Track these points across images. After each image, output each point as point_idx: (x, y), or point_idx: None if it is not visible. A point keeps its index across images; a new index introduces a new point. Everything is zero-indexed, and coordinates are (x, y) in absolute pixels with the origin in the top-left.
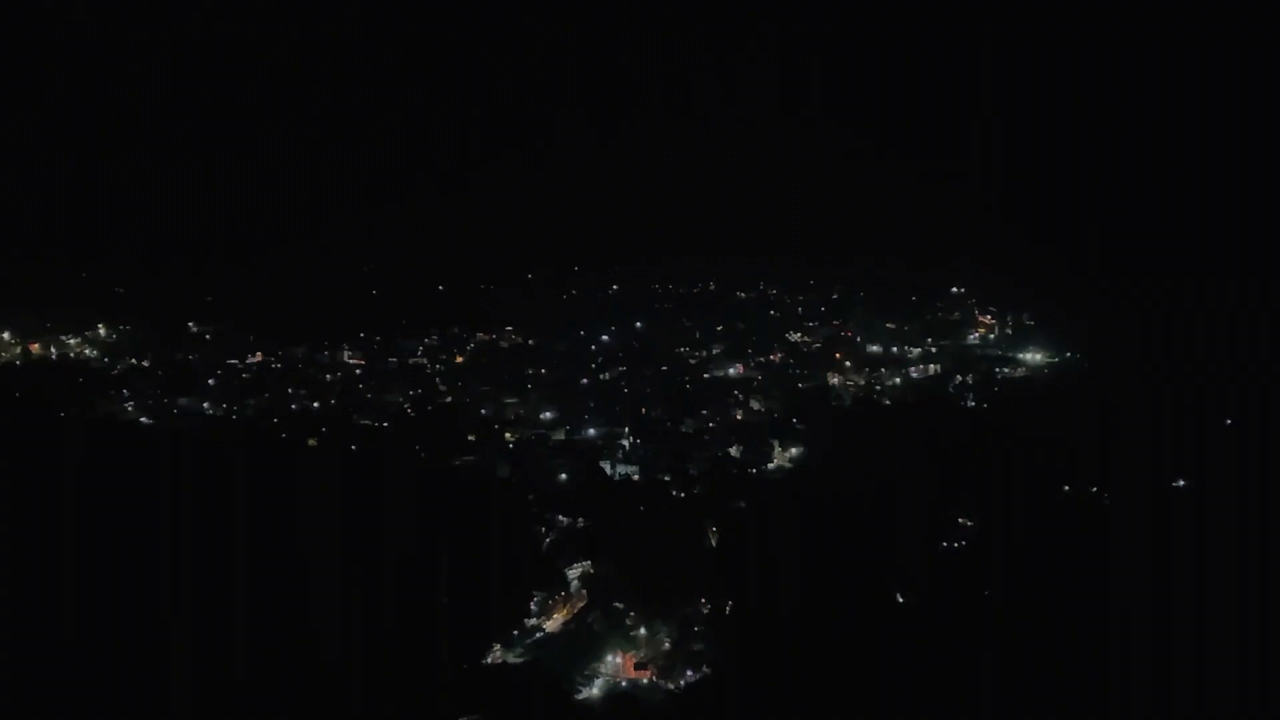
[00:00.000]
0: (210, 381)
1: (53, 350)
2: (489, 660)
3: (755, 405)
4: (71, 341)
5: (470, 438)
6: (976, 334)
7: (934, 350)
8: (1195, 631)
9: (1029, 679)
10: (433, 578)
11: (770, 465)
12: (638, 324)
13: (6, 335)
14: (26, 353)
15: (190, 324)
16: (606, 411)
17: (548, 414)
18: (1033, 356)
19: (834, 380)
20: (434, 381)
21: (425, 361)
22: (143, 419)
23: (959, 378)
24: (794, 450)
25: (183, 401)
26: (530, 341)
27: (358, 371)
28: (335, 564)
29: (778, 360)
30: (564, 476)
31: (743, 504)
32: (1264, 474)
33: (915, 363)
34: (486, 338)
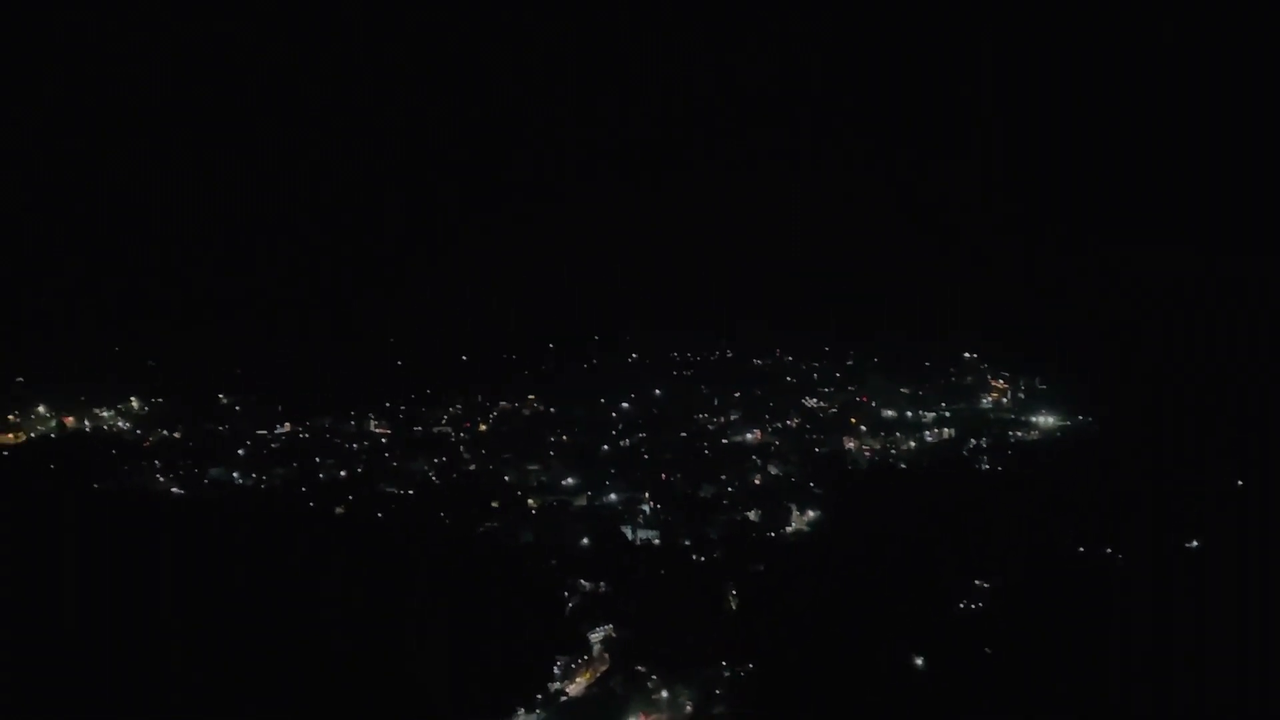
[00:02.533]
0: (240, 452)
1: (86, 422)
2: None
3: (773, 470)
4: (105, 414)
5: (494, 504)
6: (990, 398)
7: (948, 414)
8: (1203, 688)
9: None
10: (457, 643)
11: (788, 529)
12: (656, 391)
13: (42, 408)
14: (61, 425)
15: (220, 395)
16: (627, 477)
17: (569, 480)
18: (1045, 420)
19: (850, 445)
20: (458, 449)
21: (449, 430)
22: (174, 489)
23: (973, 441)
24: (811, 514)
25: (213, 472)
26: (551, 409)
27: (383, 440)
28: (363, 630)
29: (794, 425)
30: (586, 541)
31: (762, 567)
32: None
33: (930, 427)
34: (509, 406)
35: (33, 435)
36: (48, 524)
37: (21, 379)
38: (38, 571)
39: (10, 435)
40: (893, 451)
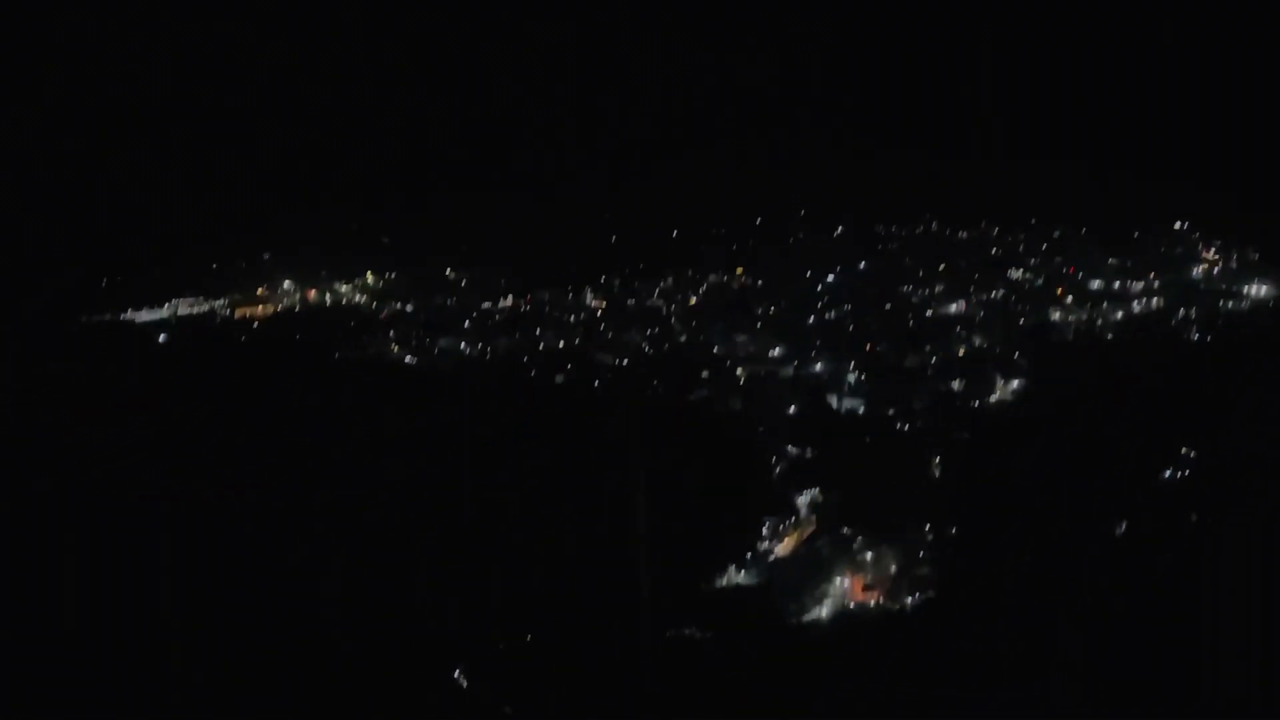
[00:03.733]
0: (466, 324)
1: (327, 296)
2: (723, 582)
3: (977, 340)
4: (343, 288)
5: (704, 374)
6: (1200, 269)
7: (1156, 285)
8: None
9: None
10: (671, 505)
11: (993, 398)
12: (861, 264)
13: (288, 283)
14: (304, 299)
15: (448, 270)
16: (832, 348)
17: (776, 351)
18: (1257, 290)
19: (1055, 315)
20: (669, 322)
21: (661, 303)
22: (406, 358)
23: (1182, 312)
24: (1015, 383)
25: (442, 342)
26: (759, 282)
27: (599, 313)
28: (583, 491)
29: (999, 296)
30: (792, 409)
31: (966, 435)
32: None
33: (1137, 297)
34: (718, 279)
35: (278, 308)
36: (295, 390)
37: (268, 255)
38: (288, 437)
39: (260, 308)
40: (1099, 322)
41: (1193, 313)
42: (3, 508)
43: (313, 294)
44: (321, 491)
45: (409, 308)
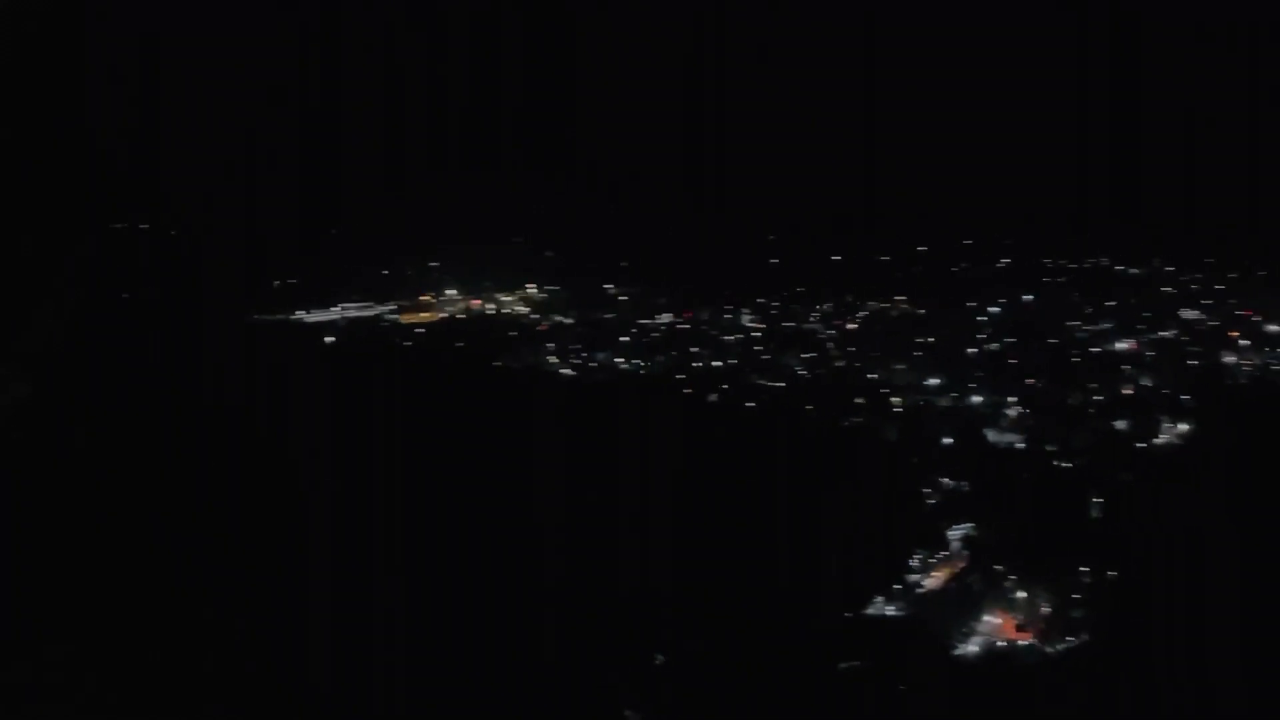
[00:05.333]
0: (624, 339)
1: (490, 306)
2: (870, 611)
3: (1144, 381)
4: (506, 299)
5: (859, 401)
6: None
7: None
8: None
9: None
10: (822, 531)
11: (1158, 440)
12: (1026, 296)
13: (452, 291)
14: (468, 307)
15: (608, 286)
16: (993, 381)
17: (934, 381)
18: None
19: (1229, 359)
20: (826, 346)
21: (819, 327)
22: (563, 370)
23: None
24: (1183, 427)
25: (600, 356)
26: (920, 310)
27: (756, 334)
28: (731, 511)
29: (1169, 337)
30: (948, 441)
31: (1128, 477)
32: None
33: None
34: (878, 306)
35: (443, 315)
36: (455, 395)
37: (435, 264)
38: (434, 442)
39: (425, 315)
40: (1274, 367)
41: None
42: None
43: (476, 303)
44: (472, 498)
45: (569, 320)
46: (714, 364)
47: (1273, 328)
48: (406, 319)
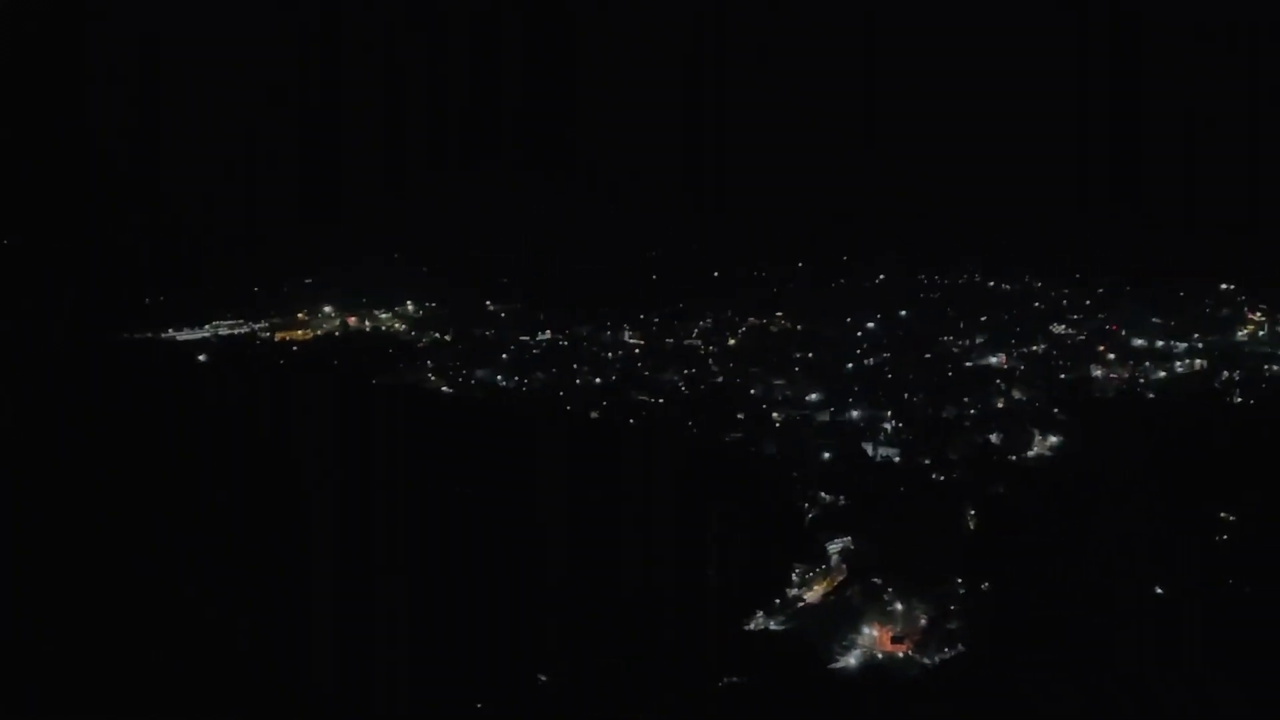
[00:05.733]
0: (504, 356)
1: (367, 323)
2: (752, 626)
3: (1016, 394)
4: (384, 316)
5: (739, 416)
6: (1245, 331)
7: (1200, 346)
8: None
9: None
10: (701, 546)
11: (1030, 453)
12: (902, 312)
13: (328, 308)
14: (345, 325)
15: (488, 303)
16: (870, 395)
17: (813, 396)
18: None
19: (1096, 372)
20: (707, 362)
21: (699, 343)
22: (443, 388)
23: (1226, 373)
24: (1054, 439)
25: (479, 373)
26: (799, 327)
27: (637, 351)
28: (611, 528)
29: (1040, 351)
30: (827, 456)
31: (1001, 489)
32: None
33: (1181, 357)
34: (757, 322)
35: (319, 333)
36: (331, 414)
37: (310, 280)
38: (315, 458)
39: (300, 332)
40: (1140, 380)
41: (1236, 375)
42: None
43: (353, 320)
44: (342, 512)
45: (447, 337)
46: (595, 380)
47: (1138, 342)
48: (281, 337)
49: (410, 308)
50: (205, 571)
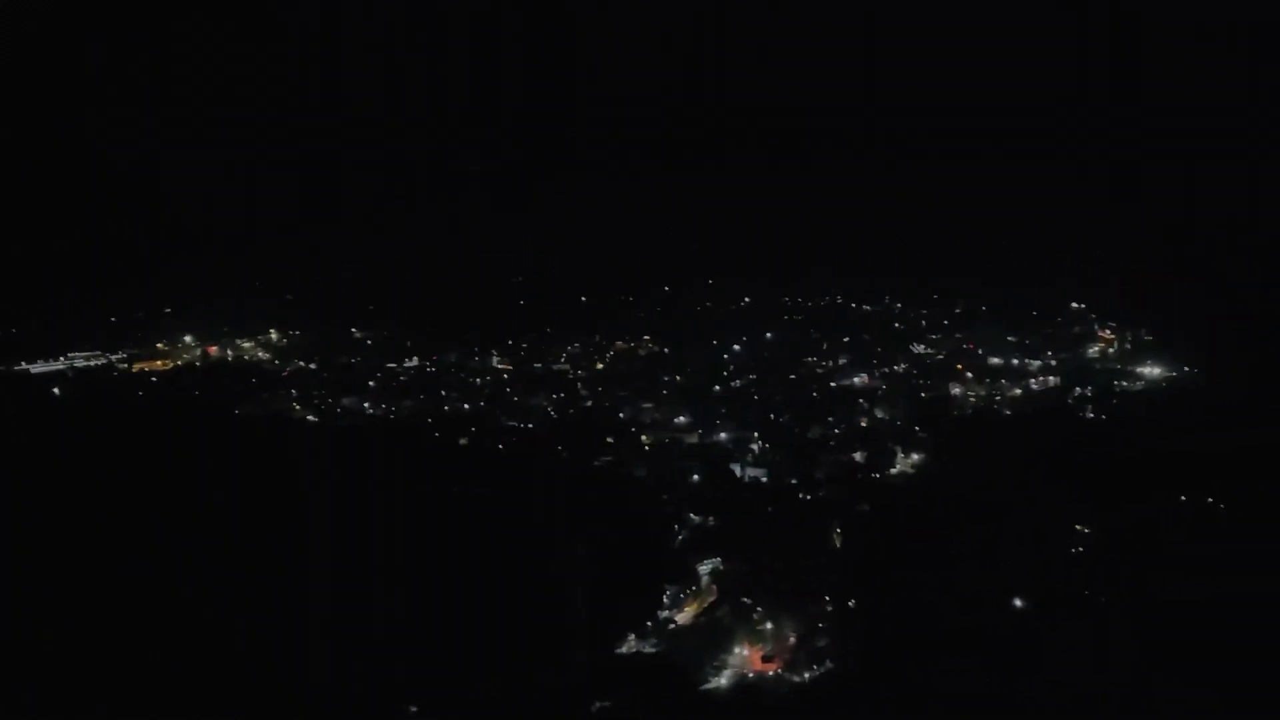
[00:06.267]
0: (370, 383)
1: (229, 353)
2: (624, 649)
3: (879, 413)
4: (246, 345)
5: (609, 440)
6: (1096, 348)
7: (1054, 363)
8: None
9: (1137, 681)
10: (572, 570)
11: (893, 471)
12: (768, 334)
13: (188, 338)
14: (205, 355)
15: (353, 330)
16: (737, 417)
17: (682, 419)
18: (1151, 371)
19: (956, 390)
20: (576, 387)
21: (568, 368)
22: (309, 417)
23: (1078, 390)
24: (916, 457)
25: (345, 401)
26: (666, 350)
27: (505, 376)
28: (481, 554)
29: (901, 371)
30: (696, 478)
31: (866, 507)
32: None
33: (1035, 375)
34: (625, 346)
35: (179, 363)
36: (193, 445)
37: (169, 310)
38: (177, 490)
39: (159, 363)
40: (997, 398)
41: (1088, 391)
42: None
43: (214, 350)
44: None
45: (312, 365)
46: (463, 407)
47: (995, 360)
48: (139, 368)
49: (274, 336)
50: (51, 609)
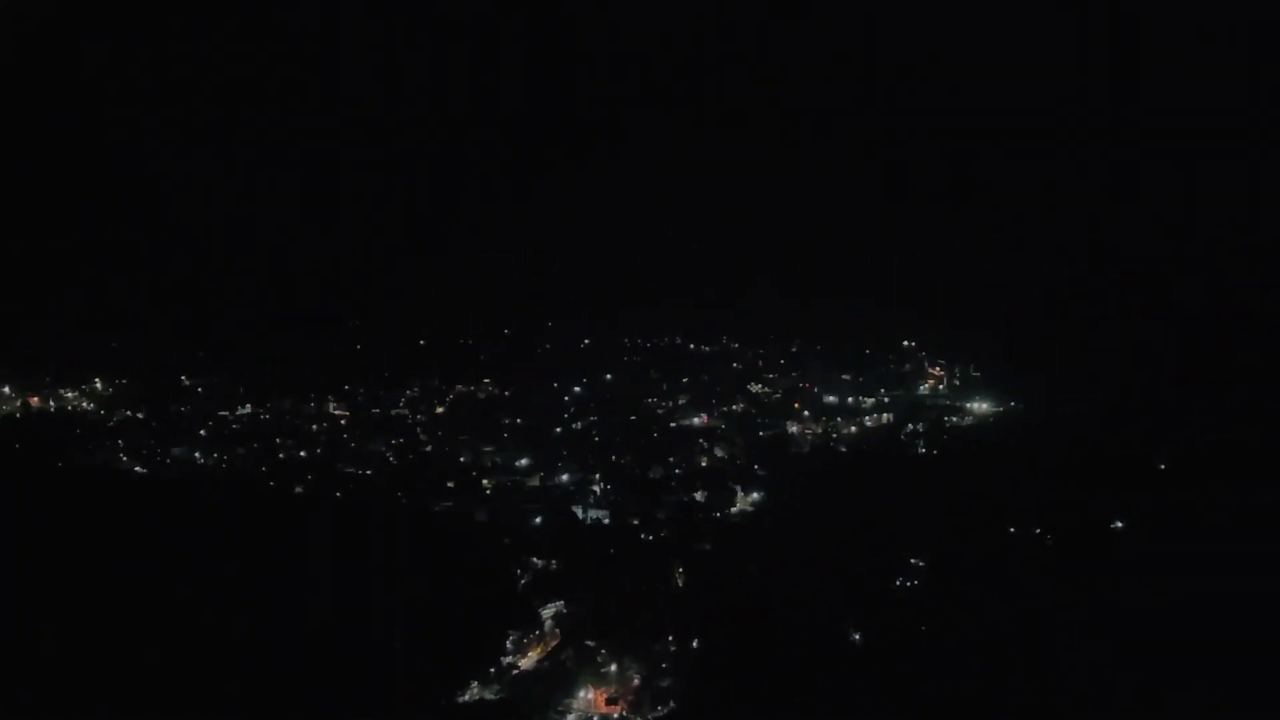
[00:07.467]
0: (202, 432)
1: (52, 403)
2: (466, 697)
3: (719, 453)
4: (69, 395)
5: (449, 484)
6: (927, 385)
7: (887, 400)
8: (1136, 661)
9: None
10: (411, 618)
11: (733, 509)
12: (608, 376)
13: (7, 389)
14: (26, 405)
15: (183, 377)
16: (578, 459)
17: (523, 461)
18: (979, 406)
19: (793, 429)
20: (415, 431)
21: (407, 412)
22: (136, 468)
23: (910, 426)
24: (755, 495)
25: (175, 451)
26: (506, 393)
27: (342, 422)
28: (319, 605)
29: (740, 410)
30: (538, 520)
31: (707, 546)
32: (1194, 514)
33: (869, 412)
34: (465, 389)
35: None
36: (12, 500)
37: None
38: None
39: None
40: (833, 435)
41: (920, 427)
42: None
43: (35, 400)
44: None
45: (140, 415)
46: (300, 454)
47: (830, 398)
48: None
49: (99, 385)
50: None
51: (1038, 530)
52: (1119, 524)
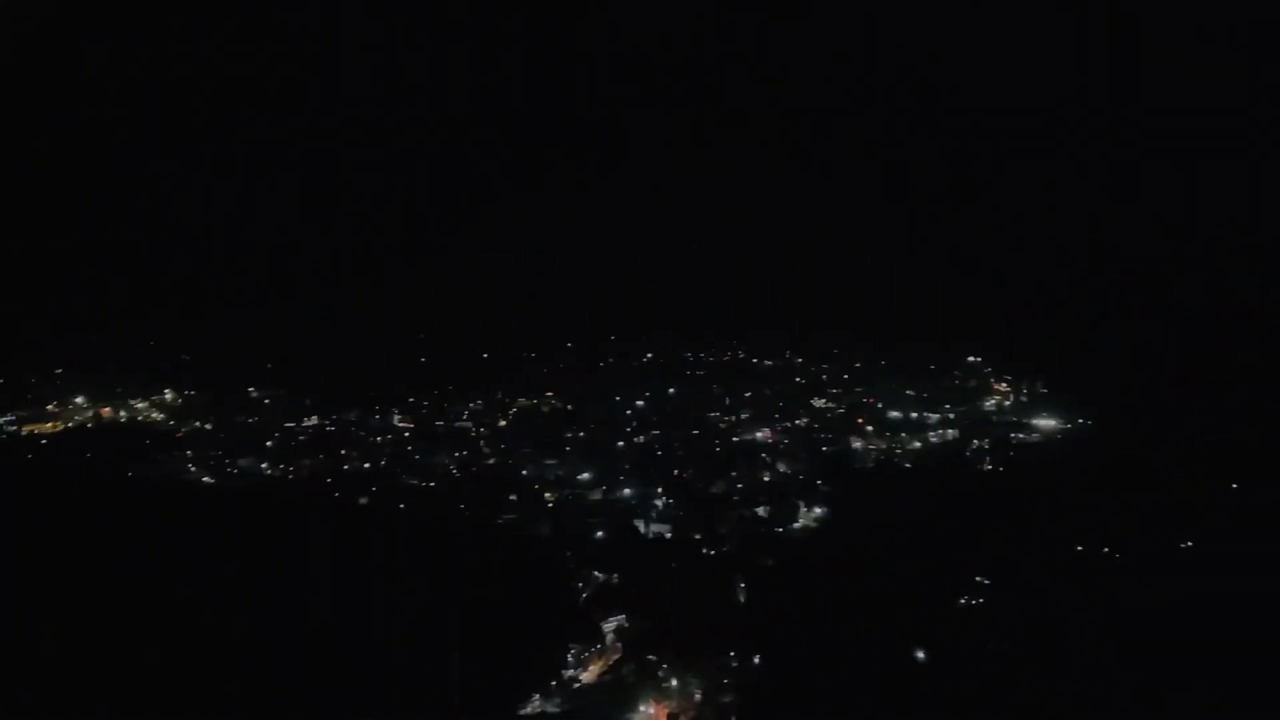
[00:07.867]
0: (268, 444)
1: (122, 413)
2: (528, 710)
3: (782, 468)
4: (140, 405)
5: (512, 497)
6: (992, 401)
7: (951, 416)
8: (1203, 685)
9: None
10: (474, 630)
11: (796, 525)
12: (670, 390)
13: (80, 399)
14: (98, 415)
15: (251, 389)
16: (640, 473)
17: (585, 475)
18: (1045, 422)
19: (856, 444)
20: (478, 444)
21: (470, 425)
22: (204, 478)
23: (975, 442)
24: (818, 510)
25: (242, 462)
26: (569, 406)
27: (406, 434)
28: (383, 617)
29: (803, 425)
30: (600, 534)
31: (770, 561)
32: (1266, 535)
33: (934, 428)
34: (528, 403)
35: (70, 425)
36: (84, 508)
37: (61, 370)
38: (68, 557)
39: (50, 425)
40: (898, 451)
41: (985, 443)
42: None
43: (107, 411)
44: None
45: (208, 426)
46: (364, 466)
47: (894, 414)
48: (29, 430)
49: (169, 396)
50: None
51: (1105, 549)
52: (1189, 543)
